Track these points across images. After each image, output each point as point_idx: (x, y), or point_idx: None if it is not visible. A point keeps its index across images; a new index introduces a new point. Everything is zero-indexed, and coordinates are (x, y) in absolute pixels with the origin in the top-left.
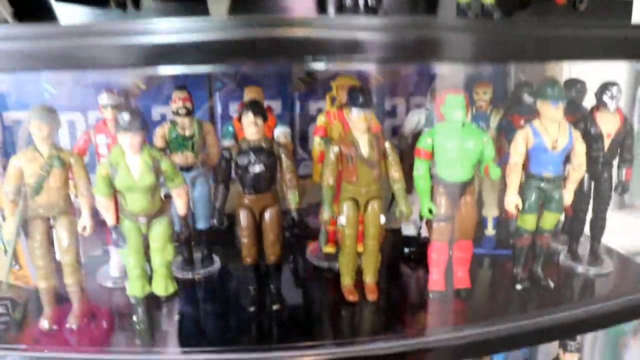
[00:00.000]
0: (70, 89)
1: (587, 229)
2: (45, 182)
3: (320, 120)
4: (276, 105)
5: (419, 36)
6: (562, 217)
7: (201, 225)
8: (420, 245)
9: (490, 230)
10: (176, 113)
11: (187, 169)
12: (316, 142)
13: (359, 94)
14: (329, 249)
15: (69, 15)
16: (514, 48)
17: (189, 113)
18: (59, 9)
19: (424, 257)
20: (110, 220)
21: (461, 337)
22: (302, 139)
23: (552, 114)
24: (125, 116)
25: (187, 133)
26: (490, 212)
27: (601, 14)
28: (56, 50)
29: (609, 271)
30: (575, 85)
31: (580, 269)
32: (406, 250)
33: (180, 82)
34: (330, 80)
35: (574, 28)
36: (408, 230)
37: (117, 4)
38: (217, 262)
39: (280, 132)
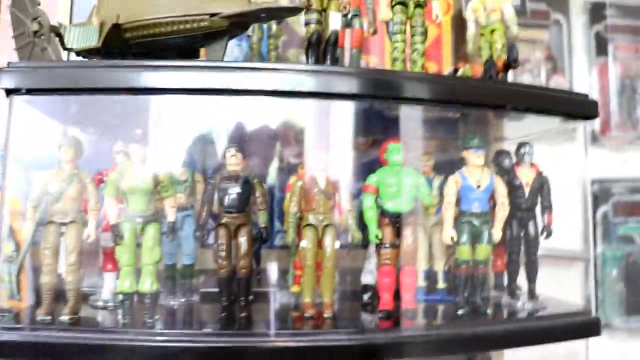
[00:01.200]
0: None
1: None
2: (64, 193)
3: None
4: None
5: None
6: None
7: (187, 261)
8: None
9: (441, 284)
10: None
11: (178, 209)
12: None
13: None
14: (295, 289)
15: None
16: None
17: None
18: None
19: None
20: (112, 219)
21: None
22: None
23: (474, 160)
24: (138, 130)
25: (182, 178)
26: (440, 266)
27: None
28: None
29: (544, 307)
30: (502, 154)
31: (517, 304)
32: (365, 297)
33: None
34: None
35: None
36: (366, 279)
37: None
38: (197, 295)
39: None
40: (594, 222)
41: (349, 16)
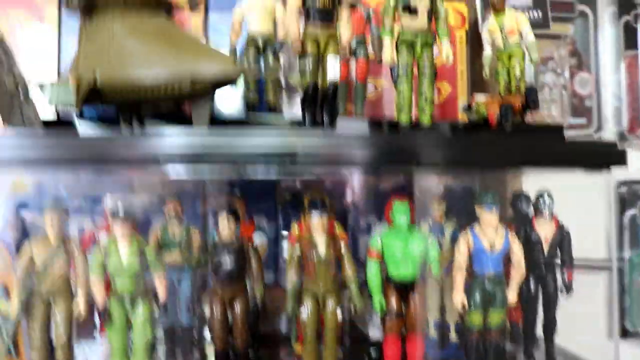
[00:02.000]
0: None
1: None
2: (50, 268)
3: (294, 229)
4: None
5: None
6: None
7: (185, 320)
8: None
9: (453, 335)
10: (168, 217)
11: (174, 268)
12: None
13: (317, 201)
14: (298, 347)
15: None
16: None
17: (179, 219)
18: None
19: None
20: (99, 303)
21: None
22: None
23: (487, 218)
24: (120, 205)
25: (177, 235)
26: (452, 317)
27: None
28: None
29: None
30: (519, 198)
31: None
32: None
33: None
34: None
35: None
36: (373, 332)
37: (128, 124)
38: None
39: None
40: (621, 226)
41: (353, 45)
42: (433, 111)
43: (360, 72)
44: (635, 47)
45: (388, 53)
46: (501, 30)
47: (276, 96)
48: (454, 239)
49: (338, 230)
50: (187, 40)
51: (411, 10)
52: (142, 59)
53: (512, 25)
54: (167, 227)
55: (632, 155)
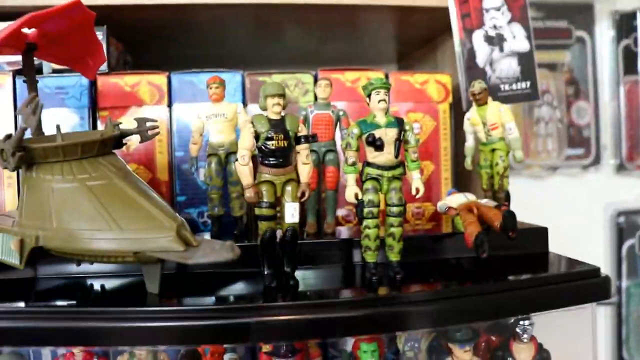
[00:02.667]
0: None
1: None
2: None
3: None
4: None
5: None
6: None
7: None
8: None
9: None
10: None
11: None
12: None
13: (281, 345)
14: None
15: None
16: None
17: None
18: None
19: None
20: None
21: None
22: None
23: (461, 355)
24: None
25: None
26: None
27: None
28: None
29: None
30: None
31: None
32: None
33: None
34: None
35: None
36: None
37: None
38: None
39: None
40: (619, 256)
41: (322, 152)
42: (401, 249)
43: (329, 181)
44: (635, 72)
45: (350, 190)
46: (484, 124)
47: (242, 209)
48: (430, 351)
49: None
50: (130, 202)
51: (376, 146)
52: (84, 225)
53: (495, 120)
54: (134, 355)
55: (631, 183)
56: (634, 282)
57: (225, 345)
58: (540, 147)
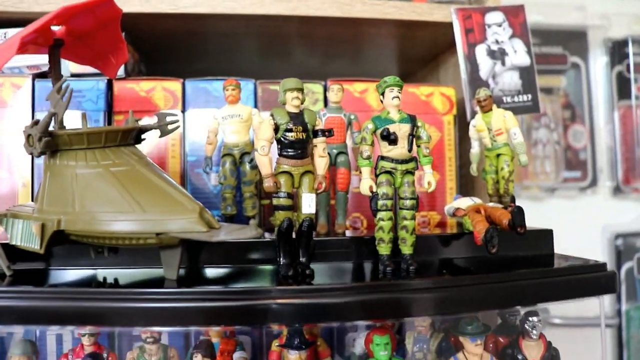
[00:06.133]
0: None
1: None
2: None
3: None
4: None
5: None
6: None
7: None
8: None
9: None
10: (145, 341)
11: None
12: None
13: (294, 336)
14: None
15: None
16: None
17: (156, 341)
18: None
19: None
20: None
21: None
22: None
23: (472, 349)
24: None
25: (154, 359)
26: None
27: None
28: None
29: None
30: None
31: None
32: None
33: None
34: None
35: None
36: None
37: (96, 253)
38: None
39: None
40: (617, 279)
41: (334, 154)
42: (414, 242)
43: (341, 182)
44: (628, 97)
45: (365, 184)
46: (489, 130)
47: (254, 209)
48: (439, 352)
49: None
50: (153, 187)
51: (390, 140)
52: (106, 207)
53: (500, 125)
54: (143, 351)
55: (627, 206)
56: (634, 306)
57: (235, 343)
58: (539, 168)
